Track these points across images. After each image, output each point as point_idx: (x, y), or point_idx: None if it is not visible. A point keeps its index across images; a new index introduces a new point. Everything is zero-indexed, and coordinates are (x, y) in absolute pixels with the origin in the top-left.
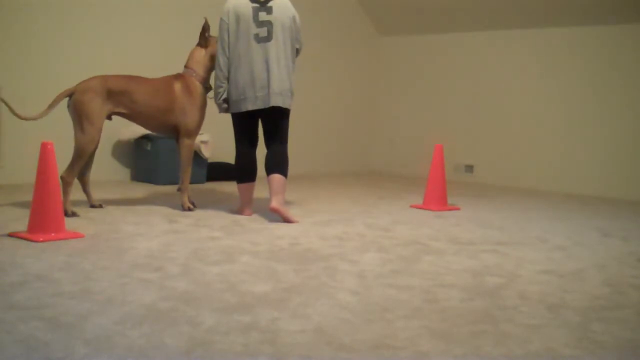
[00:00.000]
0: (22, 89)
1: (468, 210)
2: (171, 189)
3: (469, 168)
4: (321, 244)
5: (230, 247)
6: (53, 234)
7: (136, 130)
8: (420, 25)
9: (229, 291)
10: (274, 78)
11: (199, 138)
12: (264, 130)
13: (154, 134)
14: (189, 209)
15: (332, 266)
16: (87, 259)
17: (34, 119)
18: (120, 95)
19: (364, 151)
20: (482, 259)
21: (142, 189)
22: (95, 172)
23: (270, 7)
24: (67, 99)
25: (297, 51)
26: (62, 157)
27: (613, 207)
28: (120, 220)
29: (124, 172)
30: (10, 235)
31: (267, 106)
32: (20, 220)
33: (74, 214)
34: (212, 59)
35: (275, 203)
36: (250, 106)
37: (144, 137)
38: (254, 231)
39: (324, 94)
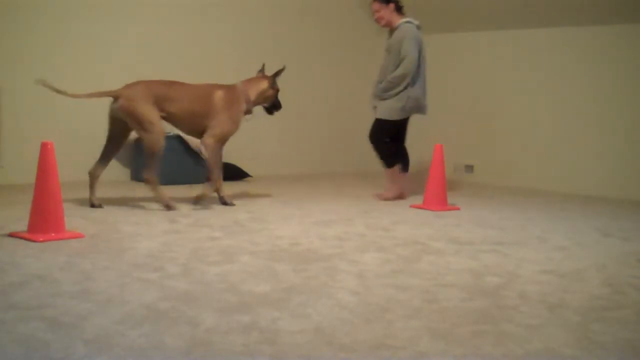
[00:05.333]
0: (22, 89)
1: (468, 210)
2: (171, 189)
3: (469, 168)
4: (321, 244)
5: (230, 247)
6: (53, 234)
7: None
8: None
9: (229, 291)
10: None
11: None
12: (403, 132)
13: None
14: (231, 204)
15: (332, 266)
16: (87, 259)
17: (79, 97)
18: (161, 100)
19: (363, 151)
20: (482, 259)
21: (142, 189)
22: None
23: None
24: (109, 99)
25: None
26: (62, 157)
27: (613, 207)
28: (120, 220)
29: (124, 172)
30: (10, 235)
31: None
32: (20, 220)
33: (170, 208)
34: (263, 94)
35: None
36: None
37: None
38: (254, 231)
39: (323, 93)
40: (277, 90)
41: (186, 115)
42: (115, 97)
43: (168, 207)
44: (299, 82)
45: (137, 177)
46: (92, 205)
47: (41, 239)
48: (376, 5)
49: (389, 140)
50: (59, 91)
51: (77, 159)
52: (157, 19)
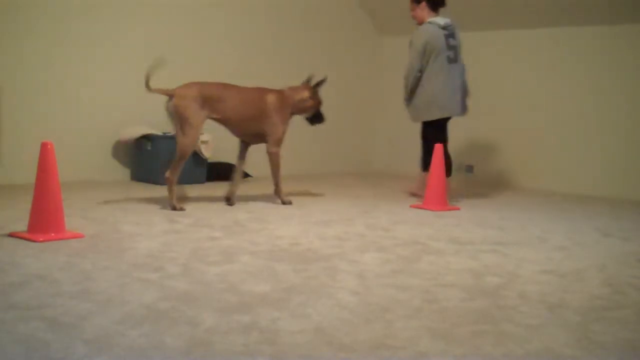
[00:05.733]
0: (22, 89)
1: (468, 210)
2: None
3: (469, 168)
4: (321, 244)
5: (230, 247)
6: (53, 234)
7: (136, 130)
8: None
9: (229, 291)
10: None
11: (199, 138)
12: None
13: (155, 133)
14: (289, 203)
15: (332, 266)
16: (87, 259)
17: (152, 91)
18: (215, 102)
19: (364, 151)
20: (482, 259)
21: (142, 189)
22: (96, 172)
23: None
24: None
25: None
26: (62, 157)
27: (613, 207)
28: (120, 220)
29: (124, 172)
30: (10, 235)
31: None
32: (20, 220)
33: (181, 209)
34: (302, 103)
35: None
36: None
37: (144, 137)
38: (254, 231)
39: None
40: (319, 102)
41: (238, 117)
42: (171, 95)
43: (174, 209)
44: (299, 81)
45: (137, 177)
46: (175, 209)
47: (41, 239)
48: (410, 5)
49: (427, 143)
50: (147, 80)
51: (77, 159)
52: (157, 19)
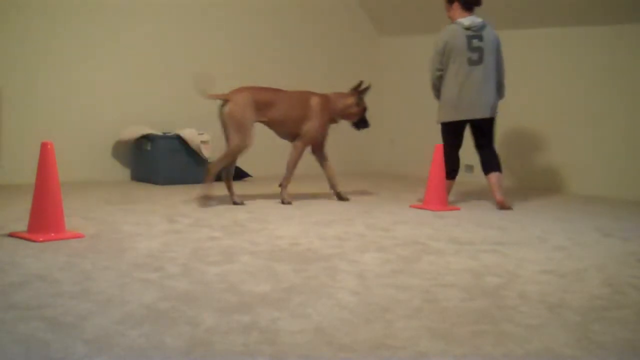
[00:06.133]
0: (22, 89)
1: (468, 210)
2: (171, 189)
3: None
4: (321, 244)
5: (230, 247)
6: (53, 234)
7: (136, 130)
8: (420, 25)
9: (229, 291)
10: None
11: (199, 138)
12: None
13: (155, 133)
14: (288, 203)
15: (332, 266)
16: (87, 259)
17: (208, 96)
18: (264, 106)
19: (364, 151)
20: (482, 259)
21: (142, 189)
22: (96, 172)
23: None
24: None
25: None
26: (62, 157)
27: (613, 207)
28: (120, 220)
29: (124, 172)
30: (10, 235)
31: None
32: (20, 220)
33: (203, 203)
34: (347, 109)
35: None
36: None
37: (144, 137)
38: (254, 231)
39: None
40: (364, 109)
41: (285, 119)
42: (226, 100)
43: (202, 202)
44: (299, 81)
45: (137, 177)
46: (235, 203)
47: (41, 239)
48: (445, 5)
49: (448, 147)
50: (200, 87)
51: (77, 159)
52: (157, 19)
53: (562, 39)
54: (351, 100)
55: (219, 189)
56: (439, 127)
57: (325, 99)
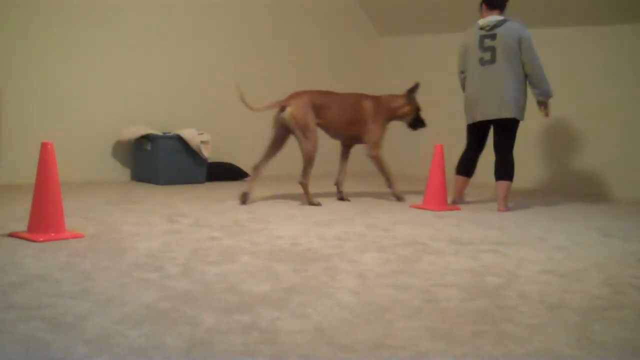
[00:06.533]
0: (22, 89)
1: (468, 210)
2: (171, 189)
3: None
4: (321, 244)
5: (230, 247)
6: (53, 234)
7: (136, 130)
8: (420, 25)
9: (229, 291)
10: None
11: (199, 138)
12: (483, 140)
13: (155, 133)
14: (402, 199)
15: (332, 266)
16: (87, 259)
17: (259, 109)
18: (320, 109)
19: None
20: (482, 259)
21: (142, 189)
22: (96, 172)
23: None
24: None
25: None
26: (62, 157)
27: (613, 207)
28: (120, 220)
29: (124, 172)
30: (10, 235)
31: None
32: (20, 220)
33: (319, 204)
34: (399, 109)
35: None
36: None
37: (144, 137)
38: (254, 231)
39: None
40: (417, 108)
41: (338, 122)
42: (284, 106)
43: (312, 204)
44: (299, 81)
45: (137, 177)
46: (243, 199)
47: (41, 239)
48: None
49: (466, 145)
50: (244, 101)
51: (77, 159)
52: (157, 18)
53: (562, 39)
54: (402, 100)
55: (220, 189)
56: (442, 127)
57: (377, 100)
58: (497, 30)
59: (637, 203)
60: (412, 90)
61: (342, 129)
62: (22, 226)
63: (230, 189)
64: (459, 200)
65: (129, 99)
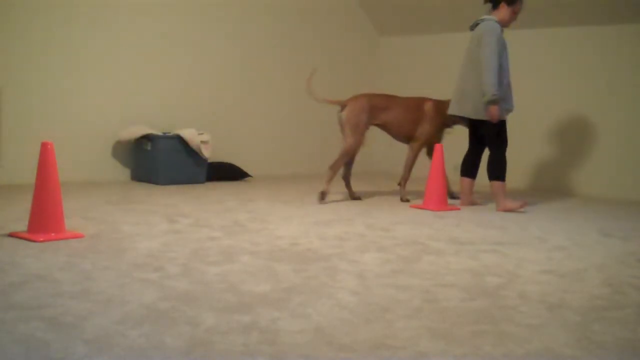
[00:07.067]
0: (22, 89)
1: (468, 210)
2: (171, 189)
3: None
4: (321, 244)
5: (230, 247)
6: (53, 234)
7: (136, 130)
8: (420, 25)
9: (229, 291)
10: None
11: (199, 138)
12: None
13: (155, 133)
14: (406, 200)
15: (332, 266)
16: (87, 259)
17: (322, 101)
18: (379, 111)
19: (364, 151)
20: (482, 259)
21: (142, 189)
22: (96, 172)
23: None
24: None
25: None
26: (62, 157)
27: (613, 207)
28: (120, 220)
29: (124, 172)
30: (10, 235)
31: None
32: (20, 220)
33: (324, 197)
34: (454, 117)
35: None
36: None
37: (144, 137)
38: (254, 231)
39: (324, 93)
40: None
41: (398, 123)
42: (343, 106)
43: (321, 197)
44: (299, 81)
45: (137, 177)
46: (322, 197)
47: (41, 239)
48: None
49: (468, 147)
50: (310, 90)
51: (77, 159)
52: (157, 18)
53: (562, 39)
54: (446, 105)
55: (220, 189)
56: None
57: (439, 104)
58: (475, 29)
59: (637, 203)
60: None
61: (402, 130)
62: (22, 226)
63: (230, 189)
64: (467, 203)
65: (129, 99)
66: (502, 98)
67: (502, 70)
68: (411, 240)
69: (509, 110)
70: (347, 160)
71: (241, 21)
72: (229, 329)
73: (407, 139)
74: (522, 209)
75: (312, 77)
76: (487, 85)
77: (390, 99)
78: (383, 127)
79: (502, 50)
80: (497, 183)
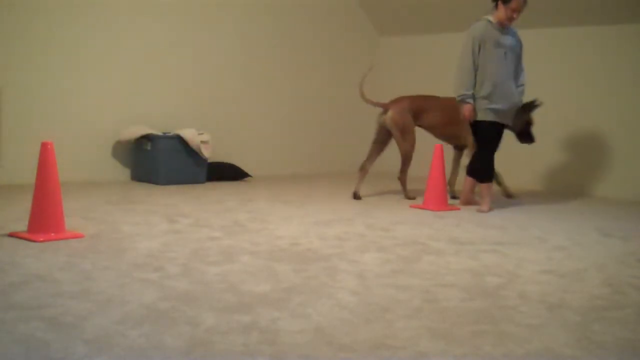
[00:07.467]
0: (22, 89)
1: (468, 210)
2: (171, 189)
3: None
4: (321, 244)
5: (230, 247)
6: (53, 234)
7: (136, 130)
8: (420, 25)
9: (229, 291)
10: None
11: (199, 138)
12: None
13: (155, 133)
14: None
15: (332, 266)
16: (87, 259)
17: (368, 102)
18: (420, 112)
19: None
20: (482, 259)
21: (142, 189)
22: (96, 172)
23: None
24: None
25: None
26: (62, 157)
27: (613, 207)
28: (120, 220)
29: (124, 172)
30: (10, 235)
31: None
32: (20, 220)
33: (414, 198)
34: None
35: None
36: None
37: (144, 137)
38: (254, 231)
39: (324, 93)
40: (527, 122)
41: (438, 124)
42: (386, 109)
43: (408, 198)
44: (299, 81)
45: (137, 177)
46: (355, 197)
47: (41, 239)
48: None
49: None
50: (361, 89)
51: (77, 159)
52: (157, 19)
53: (562, 39)
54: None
55: (220, 189)
56: None
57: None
58: None
59: (637, 203)
60: (528, 105)
61: (445, 130)
62: (22, 226)
63: (230, 189)
64: (465, 202)
65: (129, 99)
66: (485, 97)
67: (484, 70)
68: (411, 240)
69: (497, 111)
70: (409, 164)
71: (241, 21)
72: (229, 329)
73: (451, 140)
74: (486, 211)
75: (366, 75)
76: (453, 86)
77: (430, 100)
78: (427, 128)
79: (488, 49)
80: (483, 185)
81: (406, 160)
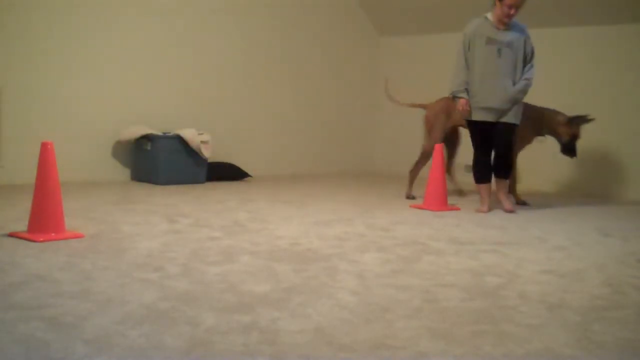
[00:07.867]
0: (22, 89)
1: (468, 210)
2: (171, 189)
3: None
4: (321, 244)
5: (230, 247)
6: (53, 234)
7: (136, 130)
8: (420, 25)
9: (229, 291)
10: None
11: (199, 138)
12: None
13: (155, 133)
14: (523, 203)
15: (332, 266)
16: (87, 259)
17: (401, 104)
18: (456, 114)
19: (364, 151)
20: (482, 259)
21: (142, 189)
22: (95, 172)
23: None
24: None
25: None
26: (62, 157)
27: (613, 207)
28: (120, 220)
29: (124, 172)
30: (10, 235)
31: None
32: (20, 220)
33: (413, 197)
34: (554, 125)
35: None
36: None
37: (144, 137)
38: (254, 231)
39: (324, 93)
40: (573, 135)
41: None
42: (425, 108)
43: (408, 197)
44: (299, 81)
45: (137, 177)
46: (409, 197)
47: (41, 239)
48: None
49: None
50: (389, 94)
51: (77, 159)
52: (157, 19)
53: (562, 39)
54: (561, 118)
55: (220, 189)
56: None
57: (530, 109)
58: None
59: (637, 203)
60: (577, 118)
61: None
62: (22, 226)
63: (230, 189)
64: (487, 209)
65: (129, 99)
66: (473, 96)
67: (473, 68)
68: (411, 240)
69: (485, 109)
70: (425, 162)
71: (241, 21)
72: (229, 329)
73: None
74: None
75: (388, 85)
76: (448, 83)
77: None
78: (463, 126)
79: (478, 46)
80: (478, 185)
81: (423, 156)
